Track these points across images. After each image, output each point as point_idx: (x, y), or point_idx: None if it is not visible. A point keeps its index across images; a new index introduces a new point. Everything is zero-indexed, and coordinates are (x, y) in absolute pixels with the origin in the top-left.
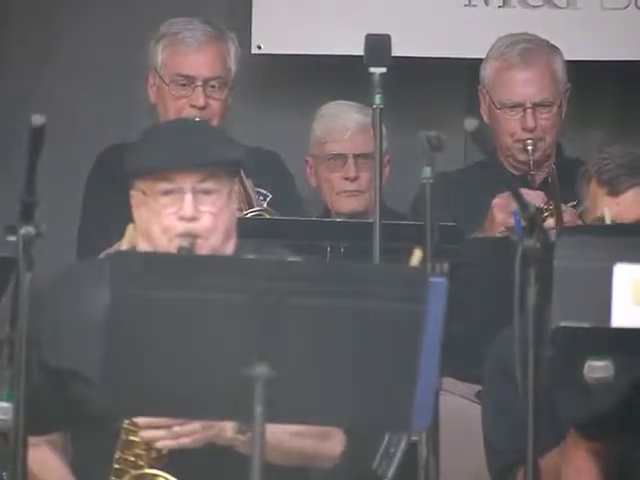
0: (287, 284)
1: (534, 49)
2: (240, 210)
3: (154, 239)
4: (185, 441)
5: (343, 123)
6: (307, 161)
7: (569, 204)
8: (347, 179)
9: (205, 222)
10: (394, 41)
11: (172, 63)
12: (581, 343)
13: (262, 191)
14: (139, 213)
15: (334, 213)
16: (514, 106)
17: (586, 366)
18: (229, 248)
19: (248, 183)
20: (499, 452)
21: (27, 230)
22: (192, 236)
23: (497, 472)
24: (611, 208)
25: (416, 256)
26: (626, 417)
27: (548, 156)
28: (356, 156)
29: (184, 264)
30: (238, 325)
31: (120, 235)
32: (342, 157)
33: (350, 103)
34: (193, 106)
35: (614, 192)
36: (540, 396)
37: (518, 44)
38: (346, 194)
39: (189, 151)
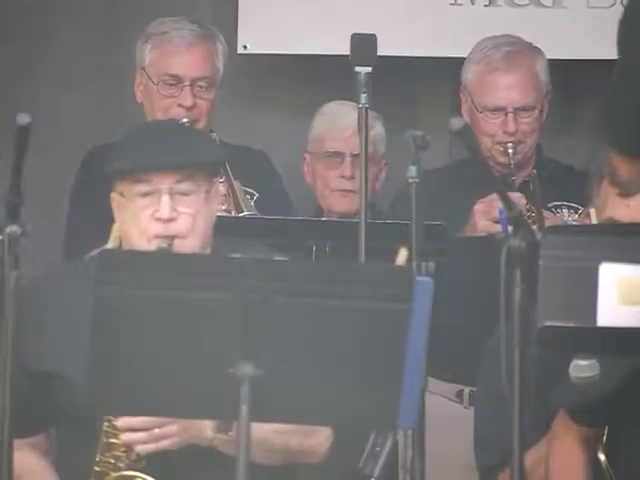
0: (273, 283)
1: (517, 52)
2: (228, 212)
3: (132, 241)
4: (164, 444)
5: (343, 122)
6: (305, 158)
7: (549, 204)
8: (343, 177)
9: (182, 223)
10: (380, 40)
11: (160, 63)
12: (567, 342)
13: (249, 190)
14: (119, 214)
15: (326, 211)
16: (495, 110)
17: (572, 365)
18: (207, 249)
19: (236, 185)
20: (487, 447)
21: (13, 229)
22: (169, 237)
23: (484, 468)
24: (621, 209)
25: (402, 255)
26: (617, 405)
27: (529, 158)
28: (354, 155)
29: (169, 263)
30: (224, 324)
31: (107, 236)
32: (340, 155)
33: (352, 103)
34: (181, 106)
35: (626, 193)
36: (525, 396)
37: (501, 47)
38: (340, 192)
39: (166, 152)
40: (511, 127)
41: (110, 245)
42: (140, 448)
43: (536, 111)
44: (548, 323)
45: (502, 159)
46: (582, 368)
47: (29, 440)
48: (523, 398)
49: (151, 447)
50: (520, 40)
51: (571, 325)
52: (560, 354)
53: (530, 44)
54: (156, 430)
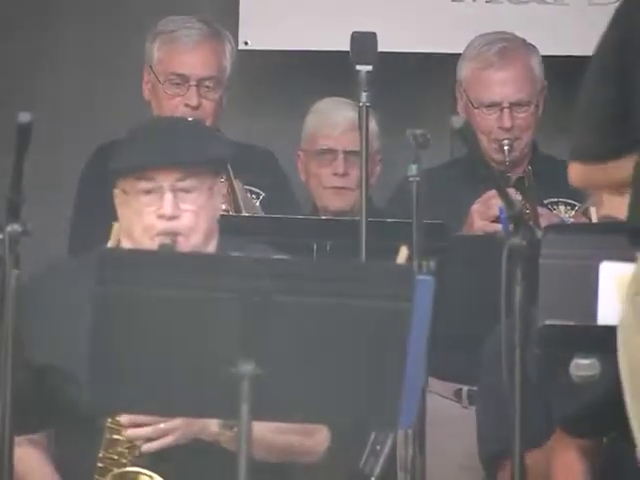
0: (273, 282)
1: (511, 48)
2: (227, 212)
3: (135, 238)
4: (168, 440)
5: (336, 119)
6: (299, 155)
7: (545, 201)
8: (336, 175)
9: (185, 220)
10: (380, 36)
11: (167, 61)
12: (567, 341)
13: (255, 190)
14: (121, 212)
15: (320, 209)
16: (491, 105)
17: (572, 364)
18: (210, 246)
19: (237, 184)
20: (489, 439)
21: (13, 228)
22: (172, 234)
23: (486, 459)
24: (617, 207)
25: (402, 254)
26: (613, 413)
27: (524, 155)
28: (346, 152)
29: (169, 261)
30: (224, 322)
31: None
32: (332, 152)
33: (345, 100)
34: (187, 105)
35: (621, 191)
36: (526, 394)
37: (495, 43)
38: (334, 190)
39: (169, 150)
40: (507, 122)
41: (110, 244)
42: (144, 447)
43: (531, 106)
44: (548, 322)
45: (498, 156)
46: (582, 367)
47: (29, 436)
48: (523, 396)
49: (155, 445)
50: (514, 36)
51: (571, 324)
52: (560, 353)
53: (524, 40)
54: (161, 425)
